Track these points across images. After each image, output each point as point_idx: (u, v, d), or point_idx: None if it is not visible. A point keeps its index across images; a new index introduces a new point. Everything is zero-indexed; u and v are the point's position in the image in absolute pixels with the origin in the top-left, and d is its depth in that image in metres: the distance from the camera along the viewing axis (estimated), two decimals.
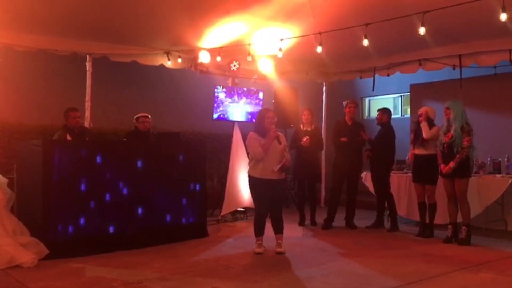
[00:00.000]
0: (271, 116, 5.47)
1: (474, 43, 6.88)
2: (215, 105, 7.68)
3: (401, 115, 11.06)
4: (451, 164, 5.96)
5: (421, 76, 8.72)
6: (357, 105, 7.36)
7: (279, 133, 5.55)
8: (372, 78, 8.40)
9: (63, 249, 5.09)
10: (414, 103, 9.69)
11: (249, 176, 5.55)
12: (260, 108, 7.60)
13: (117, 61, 7.34)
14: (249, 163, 5.60)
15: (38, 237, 5.05)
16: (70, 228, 5.25)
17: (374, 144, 7.08)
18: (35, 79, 7.93)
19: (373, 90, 8.37)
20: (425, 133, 6.38)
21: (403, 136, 7.58)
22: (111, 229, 5.52)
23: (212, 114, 7.73)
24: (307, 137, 7.06)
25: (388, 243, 6.16)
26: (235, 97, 7.90)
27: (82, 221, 5.33)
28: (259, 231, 5.51)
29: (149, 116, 6.96)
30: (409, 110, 10.62)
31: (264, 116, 5.49)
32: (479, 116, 8.99)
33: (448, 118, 6.15)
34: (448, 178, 6.09)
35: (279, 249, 5.38)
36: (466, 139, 5.99)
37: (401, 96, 11.11)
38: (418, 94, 9.80)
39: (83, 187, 5.35)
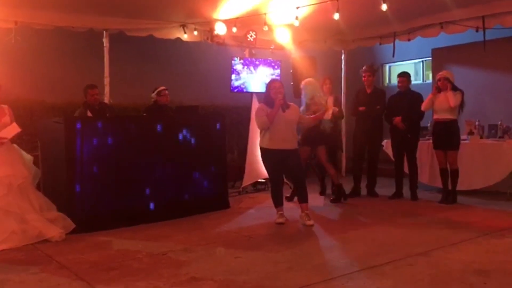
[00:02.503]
0: (277, 86, 5.44)
1: (498, 3, 6.61)
2: (233, 77, 7.63)
3: (423, 81, 10.84)
4: None
5: (442, 40, 8.46)
6: (374, 72, 7.15)
7: (290, 103, 5.51)
8: (392, 44, 8.20)
9: (89, 223, 5.21)
10: (436, 68, 9.47)
11: (260, 147, 5.58)
12: (274, 78, 7.52)
13: (134, 35, 7.33)
14: (260, 134, 5.62)
15: (64, 212, 5.17)
16: (95, 203, 5.36)
17: (402, 112, 6.70)
18: (53, 57, 7.99)
19: (393, 56, 8.18)
20: (452, 101, 6.22)
21: None
22: (135, 203, 5.62)
23: (230, 86, 7.69)
24: (336, 107, 6.84)
25: (410, 210, 6.13)
26: (253, 68, 7.83)
27: (106, 195, 5.43)
28: (277, 201, 5.55)
29: (167, 89, 6.97)
30: (430, 75, 10.40)
31: (270, 87, 5.48)
32: (504, 79, 8.79)
33: None
34: None
35: (308, 222, 5.32)
36: None
37: (422, 61, 10.87)
38: (440, 59, 9.58)
39: (106, 162, 5.44)
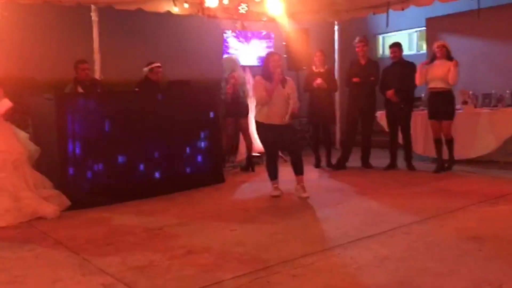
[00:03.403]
0: (277, 59, 5.35)
1: None
2: (225, 50, 7.53)
3: (417, 51, 10.76)
4: None
5: (436, 8, 8.37)
6: (367, 43, 7.06)
7: (287, 78, 5.44)
8: (385, 13, 8.09)
9: (84, 199, 5.18)
10: (431, 38, 9.39)
11: (255, 121, 5.52)
12: (272, 50, 7.42)
13: (122, 9, 7.18)
14: (255, 107, 5.55)
15: (58, 189, 5.14)
16: (89, 180, 5.33)
17: (395, 83, 6.65)
18: (41, 33, 7.83)
19: (387, 26, 8.08)
20: (454, 78, 6.23)
21: None
22: (129, 179, 5.59)
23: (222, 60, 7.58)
24: (320, 79, 6.93)
25: (405, 180, 6.15)
26: (245, 41, 7.73)
27: (99, 171, 5.40)
28: (272, 175, 5.54)
29: (161, 66, 6.86)
30: (424, 45, 10.32)
31: (269, 60, 5.37)
32: (498, 47, 8.74)
33: None
34: None
35: (303, 194, 5.31)
36: None
37: (416, 31, 10.76)
38: (434, 28, 9.48)
39: (98, 138, 5.39)
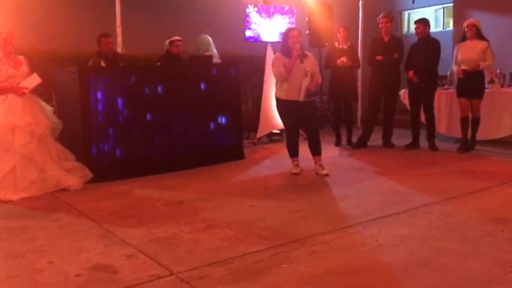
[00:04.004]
0: (296, 35, 5.27)
1: None
2: (247, 25, 7.45)
3: (443, 28, 10.49)
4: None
5: None
6: (392, 19, 6.88)
7: (307, 54, 5.37)
8: None
9: (106, 172, 5.27)
10: (458, 15, 9.14)
11: (276, 97, 5.49)
12: (291, 26, 7.33)
13: None
14: (275, 84, 5.51)
15: (81, 162, 5.23)
16: (111, 153, 5.40)
17: (420, 61, 6.51)
18: (65, 7, 7.83)
19: (413, 2, 7.91)
20: (491, 63, 6.20)
21: (444, 50, 7.21)
22: (151, 153, 5.64)
23: (244, 35, 7.52)
24: (345, 58, 6.82)
25: (427, 160, 6.08)
26: (267, 17, 7.63)
27: (122, 145, 5.47)
28: (293, 152, 5.53)
29: (181, 40, 6.85)
30: (451, 22, 10.05)
31: (288, 36, 5.30)
32: None
33: None
34: None
35: (322, 171, 5.30)
36: None
37: (443, 7, 10.47)
38: (461, 5, 9.21)
39: (121, 112, 5.44)
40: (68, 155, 5.30)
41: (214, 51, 7.05)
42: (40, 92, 6.01)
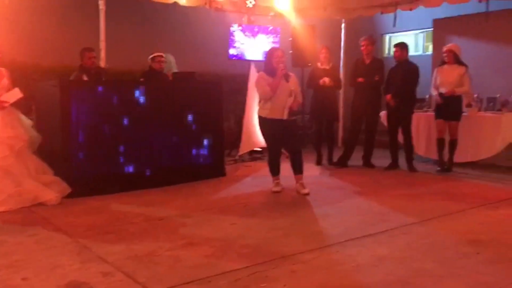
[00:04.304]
0: (280, 55, 5.34)
1: None
2: (231, 44, 7.52)
3: (423, 52, 10.74)
4: None
5: (444, 10, 8.35)
6: (373, 42, 7.03)
7: (290, 74, 5.44)
8: (393, 13, 8.07)
9: (85, 187, 5.21)
10: (437, 40, 9.37)
11: (258, 116, 5.51)
12: (275, 46, 7.41)
13: None
14: (258, 103, 5.55)
15: (60, 176, 5.16)
16: (91, 167, 5.34)
17: (397, 84, 6.64)
18: (48, 20, 7.80)
19: (394, 25, 8.06)
20: (468, 86, 6.40)
21: (424, 74, 7.37)
22: (131, 168, 5.60)
23: (228, 53, 7.58)
24: (327, 78, 6.92)
25: (405, 181, 6.15)
26: (251, 36, 7.71)
27: (102, 160, 5.41)
28: (274, 171, 5.55)
29: (164, 56, 6.88)
30: (430, 47, 10.30)
31: (272, 56, 5.36)
32: (504, 51, 8.72)
33: None
34: None
35: (303, 190, 5.33)
36: None
37: (423, 32, 10.74)
38: (441, 30, 9.46)
39: (101, 127, 5.40)
40: (46, 169, 5.24)
41: (176, 70, 7.24)
42: (19, 105, 5.94)
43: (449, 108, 6.44)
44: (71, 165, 5.25)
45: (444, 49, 6.58)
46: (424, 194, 5.43)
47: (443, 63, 6.56)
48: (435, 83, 6.61)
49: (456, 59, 6.42)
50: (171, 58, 7.23)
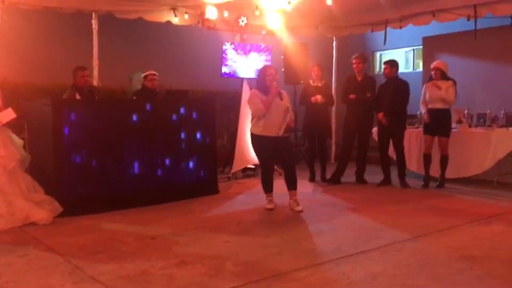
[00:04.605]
0: (272, 74, 5.38)
1: None
2: (224, 62, 7.58)
3: (413, 69, 10.87)
4: None
5: (434, 28, 8.47)
6: (365, 60, 7.12)
7: (282, 91, 5.48)
8: (383, 31, 8.18)
9: (77, 206, 5.16)
10: (427, 57, 9.50)
11: (251, 133, 5.53)
12: (268, 64, 7.48)
13: (123, 18, 7.22)
14: (251, 120, 5.57)
15: (51, 195, 5.13)
16: (83, 186, 5.31)
17: (388, 101, 6.69)
18: (41, 39, 7.87)
19: (384, 43, 8.18)
20: (451, 98, 6.44)
21: (414, 91, 7.46)
22: (123, 187, 5.58)
23: (221, 71, 7.63)
24: (319, 96, 6.99)
25: (398, 197, 6.17)
26: (244, 54, 7.78)
27: (94, 179, 5.38)
28: (267, 188, 5.55)
29: (157, 74, 6.92)
30: (421, 64, 10.42)
31: (265, 74, 5.40)
32: (493, 68, 8.85)
33: None
34: None
35: (297, 208, 5.30)
36: None
37: (413, 49, 10.88)
38: (430, 47, 9.59)
39: (93, 145, 5.38)
40: (38, 187, 5.21)
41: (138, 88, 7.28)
42: (11, 124, 5.94)
43: (438, 124, 6.52)
44: (63, 184, 5.22)
45: (432, 66, 6.72)
46: (417, 210, 5.44)
47: (431, 79, 6.66)
48: (423, 100, 6.71)
49: (443, 76, 6.54)
50: (140, 76, 7.25)
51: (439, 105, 6.50)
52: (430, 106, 6.58)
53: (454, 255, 3.83)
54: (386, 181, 6.94)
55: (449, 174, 6.72)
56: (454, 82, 6.50)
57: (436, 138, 6.64)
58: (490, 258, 3.76)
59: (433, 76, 6.60)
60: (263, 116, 5.34)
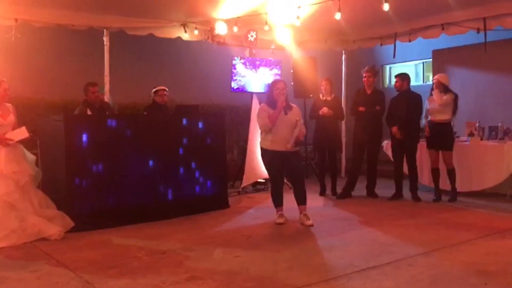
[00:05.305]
0: (281, 87, 5.40)
1: (499, 4, 6.60)
2: (233, 76, 7.62)
3: (423, 82, 10.82)
4: None
5: (443, 41, 8.46)
6: (375, 73, 7.13)
7: (293, 105, 5.49)
8: (393, 44, 8.19)
9: (88, 221, 5.19)
10: (437, 70, 9.45)
11: (261, 147, 5.56)
12: (278, 78, 7.51)
13: (134, 34, 7.32)
14: (260, 134, 5.59)
15: (63, 210, 5.15)
16: (94, 201, 5.34)
17: (402, 115, 6.65)
18: (53, 55, 7.98)
19: (394, 57, 8.17)
20: (438, 100, 6.45)
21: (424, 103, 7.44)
22: (134, 202, 5.59)
23: (230, 86, 7.67)
24: (325, 108, 7.01)
25: (410, 211, 6.11)
26: (253, 68, 7.82)
27: (105, 194, 5.41)
28: (277, 202, 5.54)
29: (167, 89, 6.98)
30: (431, 77, 10.37)
31: (273, 88, 5.44)
32: (504, 80, 8.79)
33: None
34: None
35: (307, 222, 5.29)
36: None
37: (423, 62, 10.85)
38: (440, 60, 9.56)
39: (105, 160, 5.42)
40: (49, 203, 5.23)
41: (112, 101, 7.25)
42: (24, 140, 6.01)
43: (440, 137, 6.53)
44: (75, 200, 5.25)
45: (433, 79, 6.78)
46: (429, 224, 5.38)
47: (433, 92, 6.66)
48: (426, 112, 6.71)
49: (444, 88, 6.53)
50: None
51: (439, 117, 6.53)
52: (430, 118, 6.62)
53: (468, 270, 3.78)
54: (398, 195, 6.89)
55: (461, 188, 6.66)
56: (455, 95, 6.49)
57: (440, 152, 6.61)
58: (506, 273, 3.70)
59: (434, 88, 6.61)
60: (269, 131, 5.35)
